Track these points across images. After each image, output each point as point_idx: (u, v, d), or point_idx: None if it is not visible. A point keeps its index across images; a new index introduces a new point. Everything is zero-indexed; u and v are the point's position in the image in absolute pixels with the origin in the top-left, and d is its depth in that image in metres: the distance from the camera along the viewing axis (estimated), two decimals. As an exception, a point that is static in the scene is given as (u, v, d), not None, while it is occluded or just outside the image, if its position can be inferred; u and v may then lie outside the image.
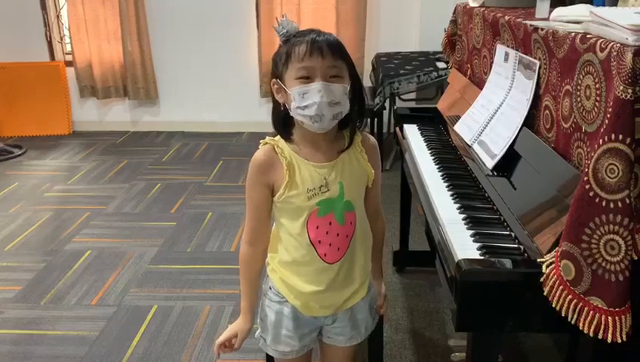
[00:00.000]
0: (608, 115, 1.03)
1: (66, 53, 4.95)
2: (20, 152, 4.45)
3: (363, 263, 1.33)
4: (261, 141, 1.27)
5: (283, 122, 1.24)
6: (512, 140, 1.52)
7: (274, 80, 1.21)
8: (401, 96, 4.14)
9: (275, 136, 1.27)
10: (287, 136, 1.24)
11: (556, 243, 1.11)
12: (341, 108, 1.18)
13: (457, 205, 1.53)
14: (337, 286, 1.29)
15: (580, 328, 1.04)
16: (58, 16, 4.88)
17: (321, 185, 1.22)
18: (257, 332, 1.41)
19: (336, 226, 1.25)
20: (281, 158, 1.22)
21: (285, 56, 1.17)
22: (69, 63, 4.88)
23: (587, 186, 1.03)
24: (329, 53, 1.15)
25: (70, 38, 4.76)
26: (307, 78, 1.15)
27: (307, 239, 1.24)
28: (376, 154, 1.32)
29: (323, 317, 1.34)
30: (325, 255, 1.26)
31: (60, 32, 4.92)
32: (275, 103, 1.24)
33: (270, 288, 1.35)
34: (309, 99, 1.15)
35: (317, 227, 1.24)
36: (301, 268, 1.28)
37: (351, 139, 1.26)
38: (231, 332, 1.35)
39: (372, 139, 1.32)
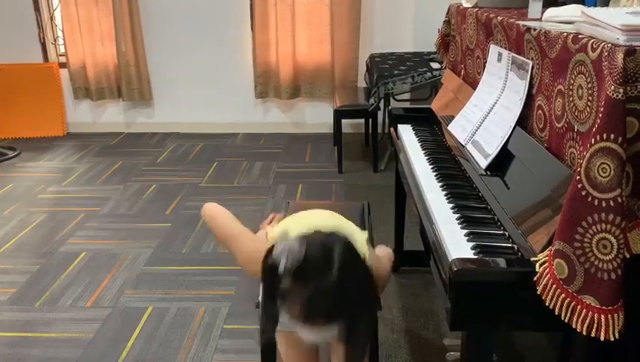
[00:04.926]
0: (600, 115, 1.03)
1: (60, 55, 4.94)
2: (13, 154, 4.43)
3: None
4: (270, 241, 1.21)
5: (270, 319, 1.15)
6: (505, 140, 1.53)
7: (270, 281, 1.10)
8: (396, 97, 4.15)
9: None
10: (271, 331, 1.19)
11: (549, 242, 1.12)
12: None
13: (451, 205, 1.54)
14: None
15: (573, 326, 1.05)
16: (51, 18, 4.86)
17: None
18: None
19: None
20: None
21: (282, 300, 1.07)
22: (62, 65, 4.86)
23: (580, 185, 1.04)
24: (323, 325, 1.08)
25: (64, 39, 4.74)
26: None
27: None
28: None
29: None
30: None
31: (53, 34, 4.91)
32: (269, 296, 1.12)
33: None
34: (309, 335, 1.12)
35: None
36: None
37: None
38: None
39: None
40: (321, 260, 1.03)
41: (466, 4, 2.19)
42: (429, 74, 3.74)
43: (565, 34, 1.27)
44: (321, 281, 1.02)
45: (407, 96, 4.30)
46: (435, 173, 1.80)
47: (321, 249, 1.05)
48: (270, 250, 1.10)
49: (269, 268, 1.07)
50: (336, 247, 1.05)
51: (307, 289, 1.02)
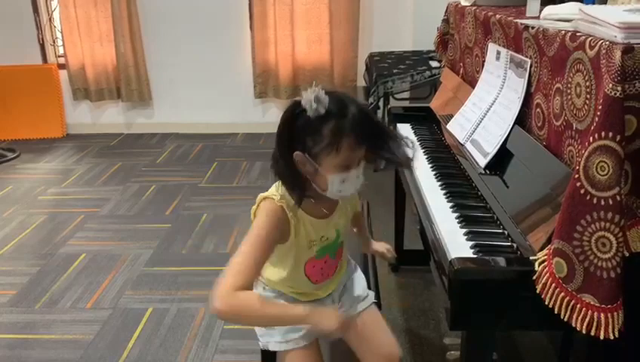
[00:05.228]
0: (598, 113, 1.03)
1: (59, 56, 4.94)
2: (13, 156, 4.43)
3: (344, 268, 1.48)
4: (268, 196, 1.27)
5: (300, 188, 1.22)
6: (504, 138, 1.52)
7: (300, 154, 1.17)
8: (395, 96, 4.14)
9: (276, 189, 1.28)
10: (300, 201, 1.23)
11: (549, 241, 1.11)
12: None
13: (450, 204, 1.54)
14: (322, 289, 1.42)
15: (573, 325, 1.05)
16: (50, 19, 4.86)
17: (322, 236, 1.31)
18: (261, 343, 1.42)
19: (329, 262, 1.38)
20: (291, 219, 1.26)
21: (328, 144, 1.14)
22: (61, 66, 4.86)
23: (578, 184, 1.03)
24: (370, 139, 1.19)
25: (63, 40, 4.74)
26: (347, 166, 1.18)
27: (303, 274, 1.35)
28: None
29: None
30: (316, 281, 1.38)
31: (52, 35, 4.90)
32: (293, 170, 1.20)
33: (264, 288, 1.41)
34: (348, 184, 1.21)
35: (313, 266, 1.35)
36: (289, 282, 1.37)
37: None
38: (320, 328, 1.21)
39: None
40: (344, 97, 1.17)
41: (464, 3, 2.19)
42: (428, 73, 3.74)
43: (563, 32, 1.27)
44: (356, 107, 1.16)
45: (406, 95, 4.30)
46: (434, 173, 1.79)
47: (336, 92, 1.18)
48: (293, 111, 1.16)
49: (310, 121, 1.14)
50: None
51: (351, 115, 1.14)
